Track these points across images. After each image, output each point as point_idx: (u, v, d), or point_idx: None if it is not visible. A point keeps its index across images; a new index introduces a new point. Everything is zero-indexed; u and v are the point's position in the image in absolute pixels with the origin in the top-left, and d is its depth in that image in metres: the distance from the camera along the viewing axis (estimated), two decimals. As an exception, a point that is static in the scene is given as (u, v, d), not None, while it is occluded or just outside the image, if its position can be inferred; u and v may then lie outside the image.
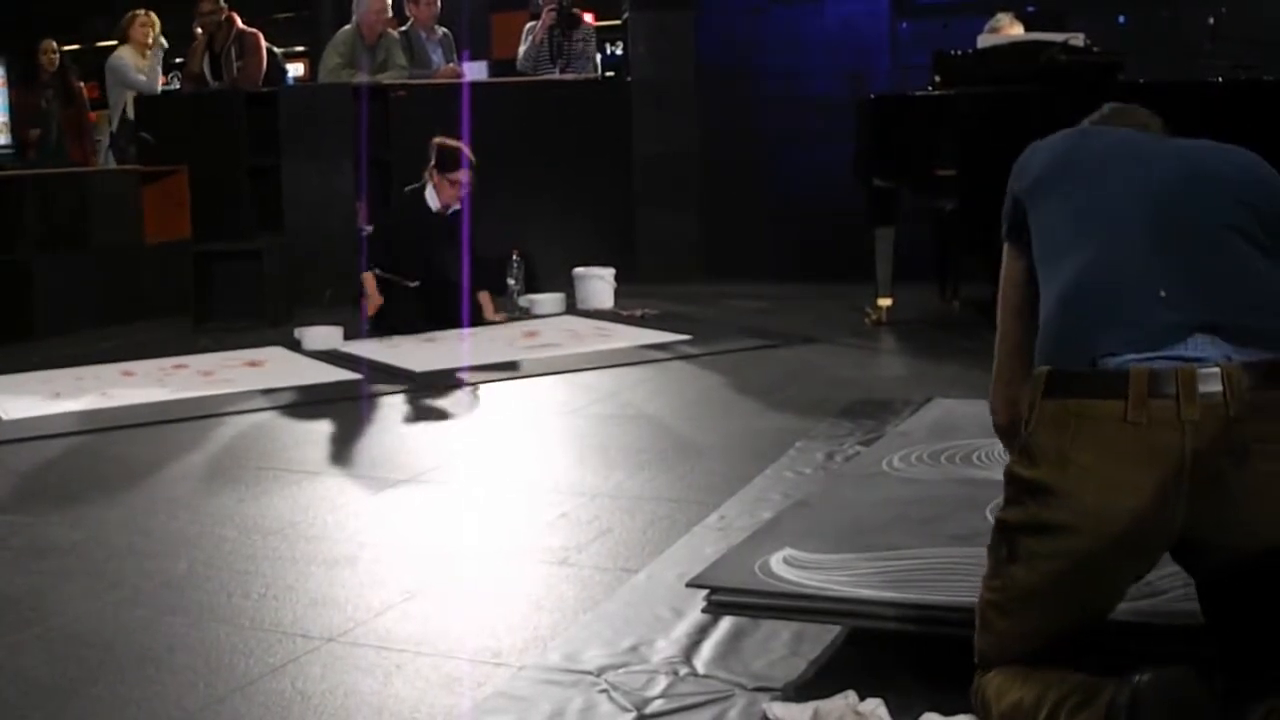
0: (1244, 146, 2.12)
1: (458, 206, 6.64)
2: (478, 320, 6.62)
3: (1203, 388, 1.82)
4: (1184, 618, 2.06)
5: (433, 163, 6.59)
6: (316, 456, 4.35)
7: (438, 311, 6.57)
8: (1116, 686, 1.85)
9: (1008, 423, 2.22)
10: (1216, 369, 1.83)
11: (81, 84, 8.76)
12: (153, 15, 8.68)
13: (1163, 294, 1.91)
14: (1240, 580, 1.92)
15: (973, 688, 2.03)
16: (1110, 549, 1.87)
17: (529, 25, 8.51)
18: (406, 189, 6.77)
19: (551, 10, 8.29)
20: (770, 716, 2.20)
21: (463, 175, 6.55)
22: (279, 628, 2.79)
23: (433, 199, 6.61)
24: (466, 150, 6.56)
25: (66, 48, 9.44)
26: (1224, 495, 1.84)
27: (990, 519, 2.66)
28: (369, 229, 7.56)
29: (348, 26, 8.28)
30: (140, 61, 8.59)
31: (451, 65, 8.32)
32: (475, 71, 8.41)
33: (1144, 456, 1.83)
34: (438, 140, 6.59)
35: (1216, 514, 1.85)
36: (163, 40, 8.63)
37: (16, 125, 8.48)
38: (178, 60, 9.84)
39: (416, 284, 6.66)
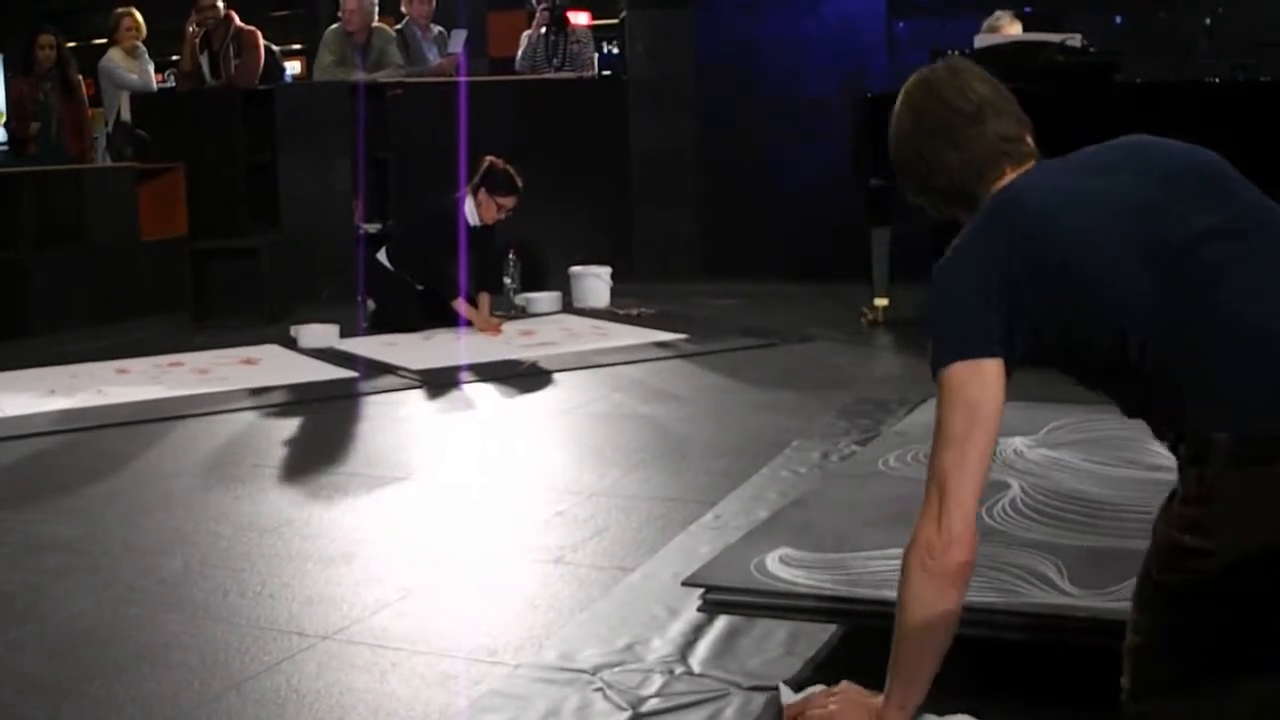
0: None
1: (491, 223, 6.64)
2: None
3: None
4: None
5: (481, 180, 6.54)
6: (312, 454, 4.34)
7: (439, 311, 6.56)
8: None
9: None
10: None
11: (80, 77, 8.74)
12: (137, 16, 8.65)
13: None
14: None
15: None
16: None
17: (527, 32, 8.53)
18: (440, 199, 6.70)
19: (545, 10, 8.29)
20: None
21: (512, 201, 6.54)
22: (275, 625, 2.79)
23: (472, 214, 6.57)
24: (518, 178, 6.53)
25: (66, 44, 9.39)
26: None
27: (987, 519, 2.67)
28: (365, 227, 7.55)
29: (336, 24, 8.28)
30: (130, 62, 8.57)
31: (450, 57, 8.27)
32: (456, 42, 8.29)
33: None
34: (492, 159, 6.55)
35: None
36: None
37: (15, 118, 8.44)
38: (174, 58, 9.81)
39: (423, 287, 6.66)
